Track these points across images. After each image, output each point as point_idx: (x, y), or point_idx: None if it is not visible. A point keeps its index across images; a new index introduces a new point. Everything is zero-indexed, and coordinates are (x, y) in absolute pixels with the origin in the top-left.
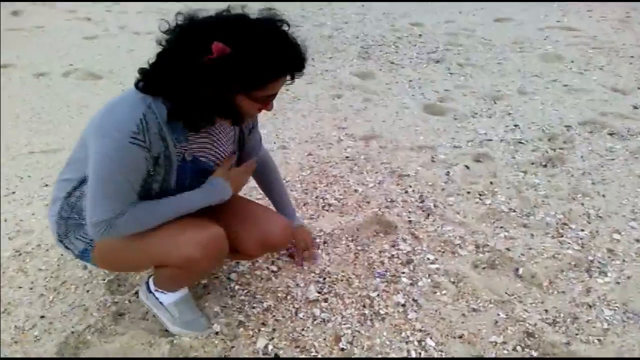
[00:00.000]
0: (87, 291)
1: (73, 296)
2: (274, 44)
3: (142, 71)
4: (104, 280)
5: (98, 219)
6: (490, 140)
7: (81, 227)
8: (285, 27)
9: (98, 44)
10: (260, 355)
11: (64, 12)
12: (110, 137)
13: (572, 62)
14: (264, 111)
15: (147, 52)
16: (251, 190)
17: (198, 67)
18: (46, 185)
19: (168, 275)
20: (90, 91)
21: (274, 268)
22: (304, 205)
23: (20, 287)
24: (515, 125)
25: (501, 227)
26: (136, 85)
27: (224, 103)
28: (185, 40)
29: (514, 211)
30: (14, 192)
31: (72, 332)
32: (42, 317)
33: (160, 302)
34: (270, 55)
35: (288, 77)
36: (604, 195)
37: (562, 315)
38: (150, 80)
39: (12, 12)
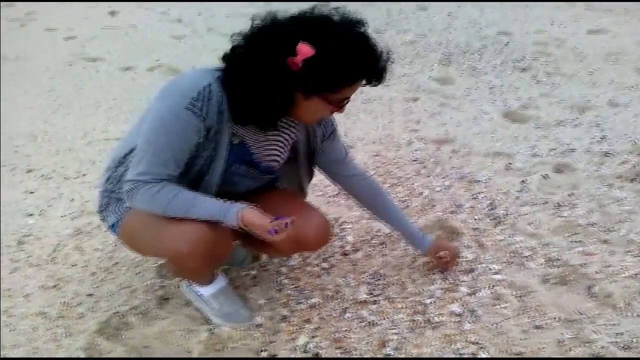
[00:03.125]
0: (137, 273)
1: (123, 277)
2: (357, 48)
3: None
4: (155, 264)
5: (130, 178)
6: (574, 150)
7: (120, 201)
8: (367, 31)
9: (185, 43)
10: (299, 354)
11: (158, 14)
12: (169, 99)
13: None
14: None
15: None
16: None
17: (281, 67)
18: None
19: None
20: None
21: (326, 265)
22: None
23: (73, 265)
24: (603, 137)
25: (578, 242)
26: (223, 57)
27: (298, 103)
28: (268, 40)
29: (594, 225)
30: (84, 175)
31: (116, 313)
32: (90, 295)
33: (200, 295)
34: (353, 60)
35: (364, 82)
36: None
37: (636, 340)
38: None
39: (109, 11)
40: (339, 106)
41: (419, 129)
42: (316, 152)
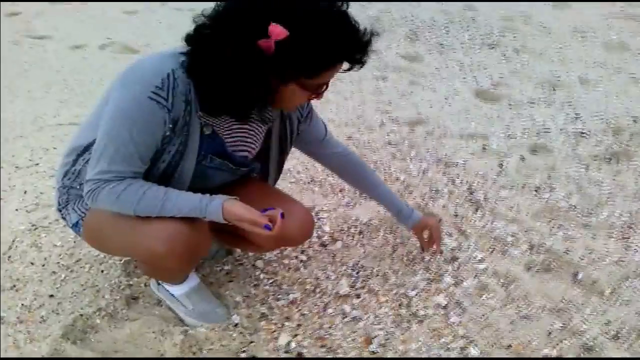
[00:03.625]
0: (102, 271)
1: (86, 276)
2: (336, 28)
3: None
4: (121, 260)
5: (90, 178)
6: (549, 130)
7: (81, 199)
8: (345, 8)
9: (138, 18)
10: (281, 355)
11: None
12: (129, 88)
13: (639, 53)
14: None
15: (187, 28)
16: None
17: (251, 51)
18: None
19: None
20: (125, 65)
21: (304, 257)
22: (340, 191)
23: (32, 263)
24: (577, 116)
25: (559, 226)
26: (186, 39)
27: (273, 91)
28: (237, 20)
29: (575, 209)
30: (37, 164)
31: (81, 315)
32: (51, 296)
33: (172, 294)
34: (332, 41)
35: (346, 65)
36: None
37: (625, 329)
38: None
39: None
40: (317, 92)
41: (391, 110)
42: (293, 135)
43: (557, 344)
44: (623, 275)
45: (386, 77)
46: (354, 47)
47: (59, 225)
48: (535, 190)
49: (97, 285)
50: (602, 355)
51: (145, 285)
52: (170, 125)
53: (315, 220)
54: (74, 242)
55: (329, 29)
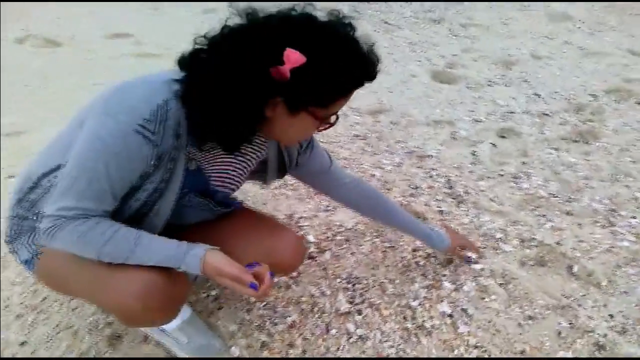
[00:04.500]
0: (74, 309)
1: (57, 316)
2: (352, 55)
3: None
4: None
5: (50, 212)
6: (513, 112)
7: (34, 232)
8: (355, 33)
9: (57, 5)
10: None
11: None
12: (113, 117)
13: (581, 21)
14: None
15: (112, 15)
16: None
17: (263, 78)
18: (11, 176)
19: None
20: (49, 60)
21: (293, 273)
22: (316, 195)
23: None
24: (537, 95)
25: (544, 216)
26: (180, 63)
27: (280, 120)
28: (247, 45)
29: (555, 196)
30: None
31: None
32: (23, 343)
33: (162, 329)
34: (348, 67)
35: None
36: None
37: (630, 321)
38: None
39: None
40: (328, 122)
41: (350, 99)
42: (290, 166)
43: (570, 345)
44: (615, 263)
45: None
46: (368, 71)
47: (12, 259)
48: (513, 179)
49: (72, 327)
50: (616, 351)
51: None
52: (154, 162)
53: (298, 230)
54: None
55: (344, 55)
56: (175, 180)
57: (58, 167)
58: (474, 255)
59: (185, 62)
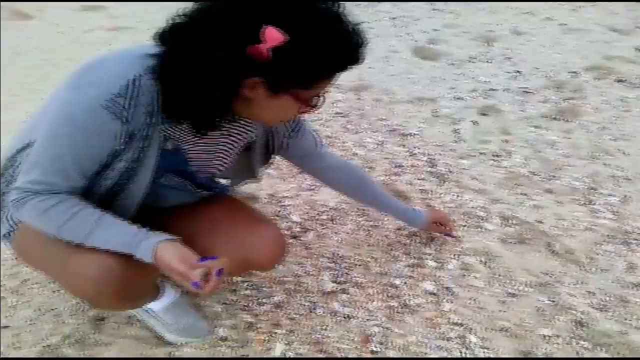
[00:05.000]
0: (55, 292)
1: (39, 299)
2: (337, 33)
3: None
4: None
5: (18, 184)
6: (494, 89)
7: None
8: (343, 9)
9: None
10: None
11: None
12: (82, 91)
13: None
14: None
15: None
16: None
17: (239, 57)
18: None
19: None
20: (20, 34)
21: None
22: (300, 173)
23: None
24: (518, 72)
25: (525, 194)
26: (158, 36)
27: (261, 102)
28: (225, 21)
29: (536, 174)
30: None
31: (46, 346)
32: (5, 327)
33: (148, 310)
34: (334, 46)
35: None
36: (628, 154)
37: (610, 298)
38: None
39: None
40: (311, 105)
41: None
42: (276, 149)
43: (550, 322)
44: (595, 241)
45: None
46: (354, 51)
47: None
48: (495, 157)
49: (55, 309)
50: (596, 328)
51: None
52: (124, 139)
53: (281, 210)
54: (14, 258)
55: (329, 33)
56: (149, 160)
57: (31, 143)
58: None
59: (162, 37)
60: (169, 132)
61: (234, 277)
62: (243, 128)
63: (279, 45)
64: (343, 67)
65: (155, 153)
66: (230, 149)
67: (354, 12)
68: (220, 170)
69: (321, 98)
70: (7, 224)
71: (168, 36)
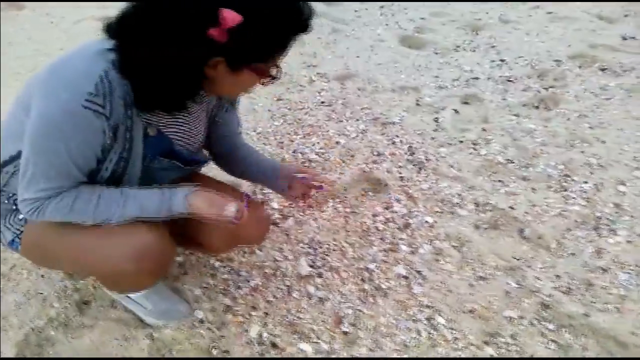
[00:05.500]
0: (42, 276)
1: (26, 283)
2: (286, 9)
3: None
4: None
5: (27, 197)
6: (477, 78)
7: (12, 213)
8: None
9: None
10: (256, 346)
11: None
12: (56, 97)
13: None
14: None
15: None
16: None
17: (198, 40)
18: None
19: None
20: (12, 25)
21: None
22: (281, 161)
23: None
24: (502, 60)
25: (500, 181)
26: (108, 29)
27: (223, 78)
28: (179, 7)
29: (512, 162)
30: None
31: (32, 329)
32: None
33: (127, 295)
34: (284, 20)
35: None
36: (603, 142)
37: (575, 281)
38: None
39: None
40: (271, 75)
41: (317, 64)
42: (215, 122)
43: (517, 304)
44: (565, 227)
45: None
46: (303, 21)
47: None
48: (473, 145)
49: (41, 293)
50: (560, 310)
51: (94, 287)
52: (111, 134)
53: (262, 197)
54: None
55: (281, 10)
56: (137, 148)
57: (16, 156)
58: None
59: (112, 29)
60: (147, 119)
61: (214, 262)
62: (205, 103)
63: (235, 25)
64: (295, 37)
65: (141, 140)
66: (200, 123)
67: (343, 3)
68: (201, 141)
69: (278, 68)
70: (9, 231)
71: (118, 28)
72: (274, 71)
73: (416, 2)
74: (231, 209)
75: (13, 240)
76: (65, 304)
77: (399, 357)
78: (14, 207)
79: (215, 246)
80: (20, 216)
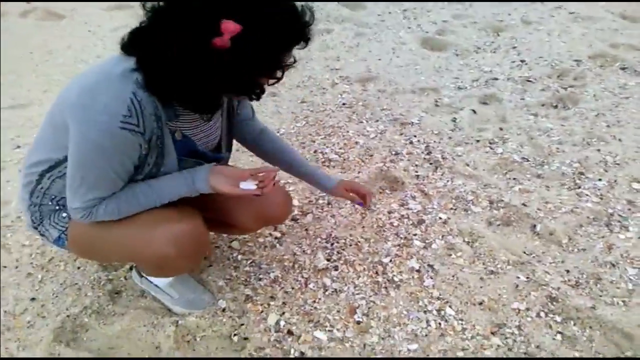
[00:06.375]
0: (78, 268)
1: (64, 274)
2: (285, 16)
3: (131, 40)
4: None
5: (78, 206)
6: (497, 79)
7: (55, 213)
8: None
9: None
10: (272, 333)
11: None
12: (94, 122)
13: None
14: None
15: None
16: None
17: (206, 51)
18: (18, 146)
19: (146, 270)
20: (52, 33)
21: (277, 234)
22: None
23: (4, 267)
24: (522, 61)
25: (514, 179)
26: (123, 47)
27: (236, 84)
28: (184, 23)
29: (527, 160)
30: None
31: (68, 316)
32: (33, 299)
33: (156, 285)
34: (284, 29)
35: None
36: (620, 140)
37: (584, 276)
38: (148, 72)
39: None
40: (276, 77)
41: (340, 67)
42: (234, 112)
43: (525, 297)
44: (577, 223)
45: (331, 29)
46: (304, 28)
47: (22, 223)
48: (489, 144)
49: (77, 283)
50: (567, 303)
51: (126, 278)
52: (146, 145)
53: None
54: (58, 248)
55: (279, 16)
56: (169, 150)
57: (56, 162)
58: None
59: (127, 47)
60: (173, 126)
61: (237, 255)
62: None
63: (237, 34)
64: (295, 42)
65: (171, 145)
66: (217, 123)
67: (367, 5)
68: (218, 139)
69: (284, 70)
70: (55, 229)
71: (135, 46)
72: (279, 73)
73: (439, 1)
74: (249, 185)
75: (59, 237)
76: (98, 293)
77: (391, 356)
78: (57, 208)
79: (245, 224)
80: (64, 214)
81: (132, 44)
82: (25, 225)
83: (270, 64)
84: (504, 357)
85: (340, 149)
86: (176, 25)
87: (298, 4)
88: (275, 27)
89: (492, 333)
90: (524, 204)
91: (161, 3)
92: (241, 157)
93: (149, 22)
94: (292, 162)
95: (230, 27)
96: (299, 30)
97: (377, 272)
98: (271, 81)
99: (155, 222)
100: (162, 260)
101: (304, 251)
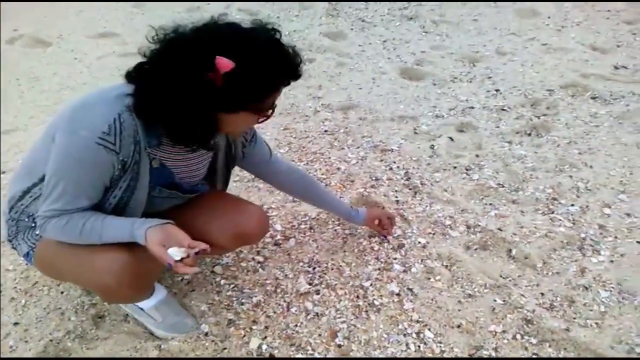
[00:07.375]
0: (62, 292)
1: (47, 299)
2: (275, 56)
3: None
4: None
5: (41, 214)
6: (473, 107)
7: (30, 230)
8: (279, 36)
9: (44, 5)
10: (255, 357)
11: None
12: (76, 134)
13: (549, 17)
14: None
15: (98, 13)
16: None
17: (201, 84)
18: (4, 172)
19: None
20: (39, 60)
21: (260, 258)
22: None
23: None
24: (497, 90)
25: (490, 205)
26: (127, 75)
27: (225, 119)
28: (182, 57)
29: (503, 186)
30: None
31: (51, 340)
32: (16, 323)
33: (140, 308)
34: (273, 68)
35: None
36: (591, 166)
37: (558, 299)
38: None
39: None
40: (266, 115)
41: (322, 96)
42: (237, 158)
43: (502, 320)
44: (551, 247)
45: (313, 59)
46: (293, 68)
47: (6, 248)
48: (466, 171)
49: (60, 308)
50: (542, 325)
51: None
52: (120, 167)
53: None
54: (26, 264)
55: (270, 56)
56: (143, 178)
57: (40, 180)
58: (393, 230)
59: (131, 75)
60: (153, 153)
61: (220, 280)
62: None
63: (229, 71)
64: (284, 81)
65: (147, 171)
66: (203, 159)
67: (348, 36)
68: (201, 177)
69: (274, 108)
70: (26, 244)
71: (136, 76)
72: (269, 111)
73: (438, 2)
74: (175, 253)
75: (28, 253)
76: (81, 318)
77: (398, 357)
78: (33, 225)
79: (220, 241)
80: (36, 232)
81: (135, 72)
82: (2, 237)
83: (258, 101)
84: (503, 357)
85: (322, 174)
86: (174, 57)
87: (289, 46)
88: (267, 67)
89: (470, 355)
90: (499, 229)
91: (164, 42)
92: None
93: (153, 55)
94: (319, 202)
95: (223, 63)
96: (288, 72)
97: (358, 296)
98: (261, 119)
99: (93, 252)
100: (106, 289)
101: (286, 275)
